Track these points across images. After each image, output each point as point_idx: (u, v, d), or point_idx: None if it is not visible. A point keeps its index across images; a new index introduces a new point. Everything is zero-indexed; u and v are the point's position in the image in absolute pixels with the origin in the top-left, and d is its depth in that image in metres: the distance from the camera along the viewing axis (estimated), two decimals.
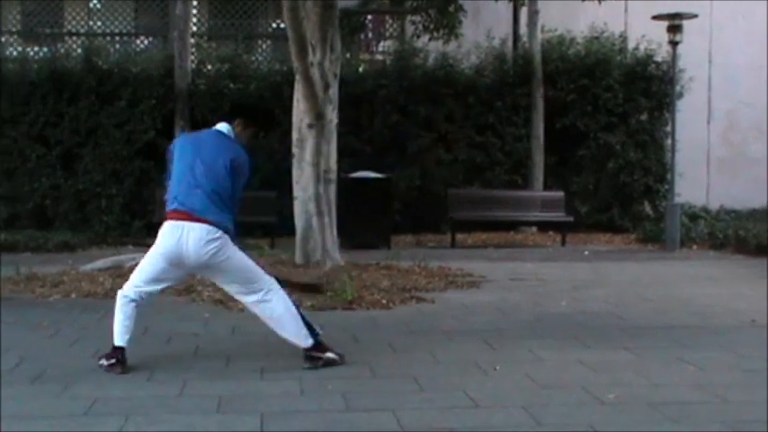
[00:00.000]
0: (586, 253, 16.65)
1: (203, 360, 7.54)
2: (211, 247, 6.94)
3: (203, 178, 7.03)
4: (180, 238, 6.96)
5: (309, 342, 7.18)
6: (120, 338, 7.10)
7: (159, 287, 7.32)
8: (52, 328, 8.93)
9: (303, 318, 7.25)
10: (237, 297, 7.46)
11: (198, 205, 6.97)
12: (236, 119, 7.41)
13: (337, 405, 6.06)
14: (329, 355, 7.21)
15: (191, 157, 7.14)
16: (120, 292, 7.27)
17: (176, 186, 7.12)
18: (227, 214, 7.09)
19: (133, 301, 7.19)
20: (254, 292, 7.20)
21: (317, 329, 7.31)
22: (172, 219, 7.07)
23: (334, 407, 6.02)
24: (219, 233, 6.97)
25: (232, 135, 7.33)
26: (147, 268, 7.25)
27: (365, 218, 16.88)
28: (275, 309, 7.19)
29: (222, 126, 7.37)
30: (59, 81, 18.89)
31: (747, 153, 22.59)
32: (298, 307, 7.34)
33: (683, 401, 6.19)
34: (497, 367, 7.17)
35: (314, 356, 7.17)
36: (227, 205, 7.10)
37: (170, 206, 7.12)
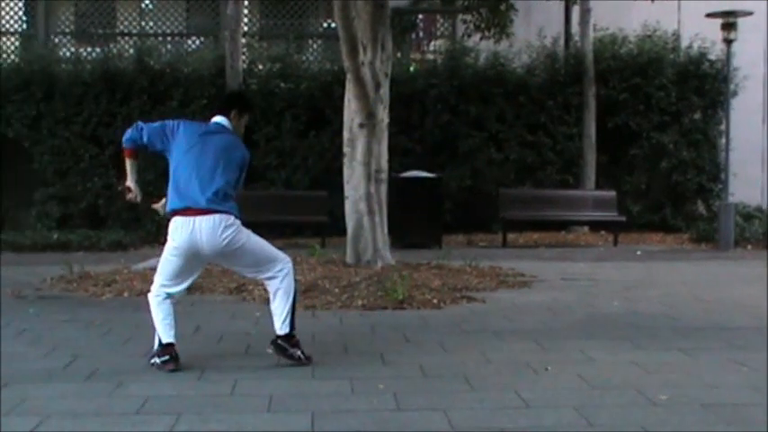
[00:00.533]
0: (639, 253, 16.54)
1: (254, 359, 7.56)
2: (227, 233, 6.98)
3: (216, 173, 7.07)
4: (192, 230, 6.98)
5: (285, 330, 7.22)
6: (166, 335, 7.16)
7: (183, 284, 7.39)
8: (105, 327, 9.00)
9: (293, 309, 7.29)
10: (253, 277, 7.57)
11: (209, 200, 6.99)
12: (231, 110, 7.39)
13: (388, 404, 6.05)
14: (296, 351, 7.25)
15: (198, 151, 7.17)
16: (149, 295, 7.40)
17: (186, 183, 7.14)
18: (235, 204, 7.15)
19: (167, 297, 7.30)
20: (270, 270, 7.26)
21: (294, 330, 7.32)
22: (180, 216, 7.09)
23: (384, 406, 6.01)
24: (232, 219, 7.02)
25: (230, 127, 7.35)
26: (165, 267, 7.30)
27: (416, 217, 16.88)
28: (278, 285, 7.24)
29: (221, 119, 7.35)
30: (112, 81, 19.07)
31: None
32: (295, 296, 7.35)
33: (736, 403, 6.12)
34: (549, 367, 7.13)
35: (282, 346, 7.23)
36: (233, 197, 7.17)
37: (180, 204, 7.12)
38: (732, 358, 7.52)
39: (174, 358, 7.06)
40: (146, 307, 10.09)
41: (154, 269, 12.46)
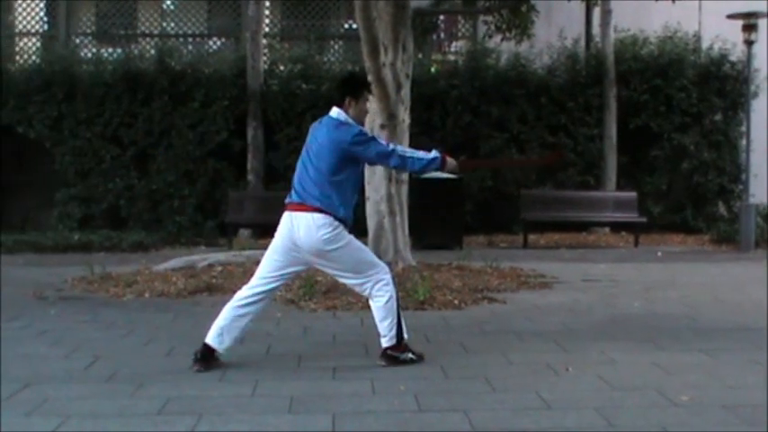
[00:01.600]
0: (659, 254, 16.50)
1: (275, 360, 7.58)
2: (322, 233, 6.99)
3: (312, 168, 7.11)
4: (291, 225, 7.06)
5: (390, 343, 7.21)
6: (212, 338, 7.21)
7: (278, 282, 7.38)
8: (126, 328, 9.03)
9: (399, 316, 7.24)
10: (348, 285, 7.49)
11: (306, 195, 7.06)
12: (344, 98, 7.26)
13: (409, 405, 6.06)
14: (407, 355, 7.25)
15: (305, 148, 7.27)
16: (238, 295, 7.33)
17: (294, 179, 7.27)
18: (338, 202, 7.07)
19: (249, 304, 7.26)
20: (366, 281, 7.21)
21: (405, 333, 7.28)
22: (286, 210, 7.18)
23: (405, 407, 6.02)
24: (329, 219, 7.00)
25: (343, 117, 7.21)
26: (265, 263, 7.30)
27: (437, 218, 16.88)
28: (380, 299, 7.20)
29: (333, 111, 7.28)
30: (133, 82, 19.13)
31: None
32: (398, 304, 7.30)
33: (757, 404, 6.11)
34: (570, 368, 7.13)
35: (391, 356, 7.22)
36: (340, 192, 7.09)
37: (286, 199, 7.25)
38: (753, 359, 7.50)
39: (204, 359, 7.11)
40: (167, 308, 10.16)
41: (175, 270, 12.60)
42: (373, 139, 7.25)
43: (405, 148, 7.47)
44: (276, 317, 9.58)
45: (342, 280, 7.42)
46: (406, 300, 10.31)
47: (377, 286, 7.18)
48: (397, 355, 7.20)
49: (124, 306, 10.47)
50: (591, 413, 5.87)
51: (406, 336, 7.26)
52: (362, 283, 7.23)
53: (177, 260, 13.44)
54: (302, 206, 7.06)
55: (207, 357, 7.12)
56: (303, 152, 7.30)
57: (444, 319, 9.54)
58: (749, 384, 6.66)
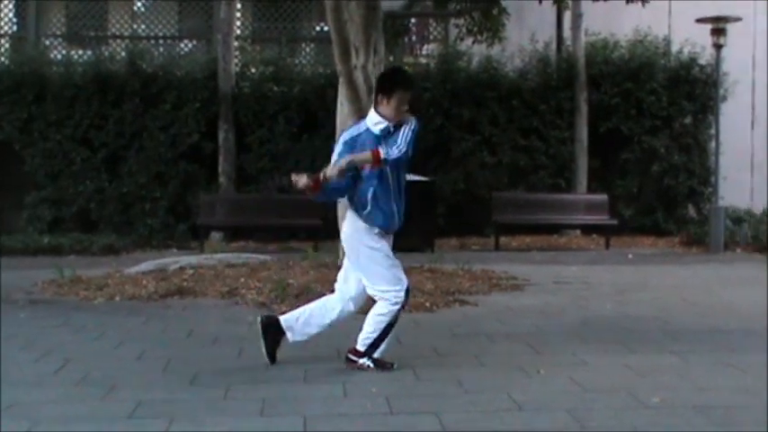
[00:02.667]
0: (630, 256, 16.57)
1: (247, 363, 7.56)
2: (343, 236, 7.32)
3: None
4: None
5: (361, 348, 7.19)
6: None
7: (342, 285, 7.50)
8: (96, 331, 8.99)
9: (383, 335, 7.19)
10: (369, 292, 7.45)
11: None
12: (378, 97, 7.30)
13: (381, 408, 6.06)
14: (365, 361, 7.20)
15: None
16: (382, 308, 7.27)
17: None
18: (361, 207, 7.30)
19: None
20: (374, 293, 7.29)
21: (379, 353, 7.21)
22: None
23: (377, 410, 6.02)
24: (352, 218, 7.30)
25: (377, 119, 7.24)
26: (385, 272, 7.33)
27: (409, 221, 16.62)
28: (378, 309, 7.24)
29: (369, 114, 7.37)
30: (104, 84, 19.05)
31: None
32: (391, 325, 7.23)
33: (727, 405, 6.14)
34: (541, 370, 7.15)
35: (349, 358, 7.23)
36: (370, 195, 7.30)
37: None
38: (724, 361, 7.54)
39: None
40: (138, 311, 10.12)
41: (146, 273, 12.55)
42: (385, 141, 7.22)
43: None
44: (248, 320, 9.56)
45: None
46: None
47: (384, 297, 7.21)
48: (355, 358, 7.19)
49: (95, 309, 10.43)
50: (562, 415, 5.89)
51: (377, 356, 7.20)
52: (371, 290, 7.28)
53: (148, 263, 13.39)
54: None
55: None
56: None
57: (416, 321, 9.54)
58: (720, 386, 6.70)
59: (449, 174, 19.21)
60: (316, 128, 18.89)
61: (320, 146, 18.38)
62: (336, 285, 7.48)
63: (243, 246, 17.39)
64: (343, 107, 12.93)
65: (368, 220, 7.23)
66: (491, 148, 19.64)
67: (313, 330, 7.40)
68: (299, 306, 10.20)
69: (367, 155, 7.08)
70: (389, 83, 7.34)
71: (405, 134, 7.17)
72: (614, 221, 18.55)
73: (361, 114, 12.69)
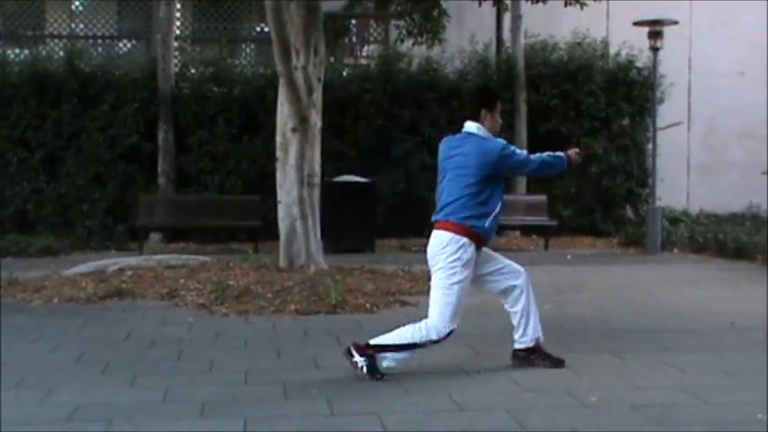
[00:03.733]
0: (569, 257, 16.68)
1: (187, 365, 7.54)
2: (440, 252, 7.20)
3: (445, 188, 7.28)
4: (431, 242, 7.36)
5: (373, 342, 7.03)
6: None
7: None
8: (34, 333, 8.91)
9: (400, 345, 7.03)
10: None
11: (437, 214, 7.31)
12: (480, 111, 7.27)
13: (321, 409, 6.07)
14: (354, 358, 7.03)
15: (442, 165, 7.38)
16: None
17: (439, 197, 7.41)
18: (474, 218, 7.12)
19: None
20: (434, 314, 7.15)
21: (384, 364, 7.02)
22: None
23: (317, 411, 6.03)
24: (453, 239, 7.10)
25: (482, 131, 7.22)
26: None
27: (349, 222, 16.89)
28: (410, 328, 7.08)
29: (468, 125, 7.28)
30: (41, 84, 18.82)
31: (726, 158, 22.64)
32: (410, 345, 7.04)
33: (664, 404, 6.22)
34: (481, 370, 7.19)
35: (350, 352, 7.06)
36: (483, 206, 7.16)
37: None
38: (661, 360, 7.64)
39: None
40: (76, 313, 10.03)
41: (84, 275, 12.44)
42: (513, 148, 7.28)
43: (536, 155, 7.46)
44: (187, 322, 9.54)
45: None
46: (319, 303, 10.35)
47: (435, 323, 7.08)
48: (354, 353, 7.00)
49: (32, 312, 10.33)
50: (502, 414, 5.93)
51: (382, 364, 7.00)
52: (432, 309, 7.19)
53: (87, 265, 13.28)
54: (446, 223, 7.18)
55: None
56: (442, 170, 7.38)
57: (357, 322, 9.55)
58: (657, 385, 6.78)
59: (389, 175, 19.22)
60: (256, 129, 18.83)
61: (260, 147, 18.35)
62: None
63: (182, 247, 17.30)
64: (283, 108, 12.92)
65: (487, 232, 7.17)
66: (432, 149, 19.61)
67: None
68: (238, 307, 10.28)
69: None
70: (492, 97, 7.50)
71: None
72: (553, 222, 18.66)
73: (302, 115, 12.73)
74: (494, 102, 7.36)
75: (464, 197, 7.09)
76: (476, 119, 7.23)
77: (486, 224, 7.11)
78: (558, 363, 7.32)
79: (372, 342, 7.01)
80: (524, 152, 7.48)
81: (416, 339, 6.98)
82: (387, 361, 6.96)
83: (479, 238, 7.09)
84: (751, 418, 5.90)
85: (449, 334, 7.06)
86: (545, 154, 7.46)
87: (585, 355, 7.89)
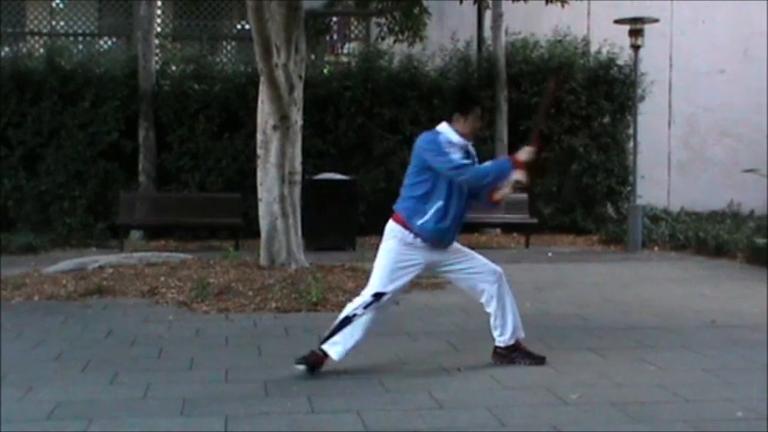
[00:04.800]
0: (550, 254, 16.72)
1: (167, 362, 7.53)
2: (386, 237, 7.28)
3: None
4: None
5: (322, 344, 7.08)
6: None
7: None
8: (14, 331, 8.86)
9: (339, 328, 7.08)
10: None
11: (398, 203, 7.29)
12: (452, 114, 7.29)
13: (302, 407, 6.07)
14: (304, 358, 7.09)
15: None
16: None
17: None
18: (411, 211, 7.15)
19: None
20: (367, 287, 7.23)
21: (335, 355, 7.06)
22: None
23: (298, 408, 6.03)
24: (391, 226, 7.21)
25: (449, 132, 7.20)
26: None
27: (330, 219, 16.88)
28: (347, 309, 7.18)
29: (440, 125, 7.30)
30: (21, 81, 18.74)
31: (707, 156, 22.74)
32: (348, 321, 7.08)
33: (645, 401, 6.24)
34: (461, 368, 7.20)
35: (310, 355, 7.09)
36: (419, 202, 7.14)
37: None
38: (641, 357, 7.66)
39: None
40: (56, 310, 10.00)
41: (65, 272, 12.41)
42: (447, 151, 7.12)
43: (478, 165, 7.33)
44: (168, 319, 9.52)
45: None
46: (300, 301, 10.34)
47: (360, 299, 7.16)
48: (307, 355, 7.08)
49: (12, 309, 10.28)
50: (483, 412, 5.94)
51: (325, 347, 7.06)
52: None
53: (67, 262, 13.24)
54: (393, 215, 7.25)
55: None
56: None
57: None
58: (637, 382, 6.81)
59: (370, 172, 19.22)
60: (237, 126, 18.80)
61: (241, 145, 18.33)
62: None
63: (163, 245, 17.26)
64: (264, 105, 12.91)
65: (424, 227, 7.10)
66: (412, 147, 19.62)
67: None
68: (219, 305, 10.27)
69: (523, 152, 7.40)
70: (469, 101, 7.39)
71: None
72: (534, 220, 18.68)
73: (283, 113, 12.72)
74: (468, 106, 7.28)
75: (405, 188, 7.25)
76: (449, 120, 7.25)
77: (424, 222, 7.07)
78: (538, 360, 7.34)
79: (321, 348, 7.10)
80: (467, 161, 7.22)
81: (346, 312, 7.11)
82: (334, 346, 7.04)
83: (420, 236, 7.10)
84: (730, 415, 5.93)
85: (376, 297, 7.10)
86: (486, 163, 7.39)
87: (566, 352, 7.90)
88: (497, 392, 6.48)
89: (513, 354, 7.34)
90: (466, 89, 7.31)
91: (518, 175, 7.27)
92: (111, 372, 7.04)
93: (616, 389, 6.60)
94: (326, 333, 7.10)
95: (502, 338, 7.34)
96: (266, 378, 6.83)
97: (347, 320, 7.06)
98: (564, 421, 5.76)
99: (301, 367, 6.97)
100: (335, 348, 7.01)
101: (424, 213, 7.06)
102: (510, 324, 7.31)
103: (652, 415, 5.92)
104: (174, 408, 6.03)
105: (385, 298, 7.11)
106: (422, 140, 7.20)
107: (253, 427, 5.63)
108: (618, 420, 5.81)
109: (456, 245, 7.36)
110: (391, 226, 7.17)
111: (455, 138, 7.17)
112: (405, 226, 7.08)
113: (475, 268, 7.39)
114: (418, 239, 7.09)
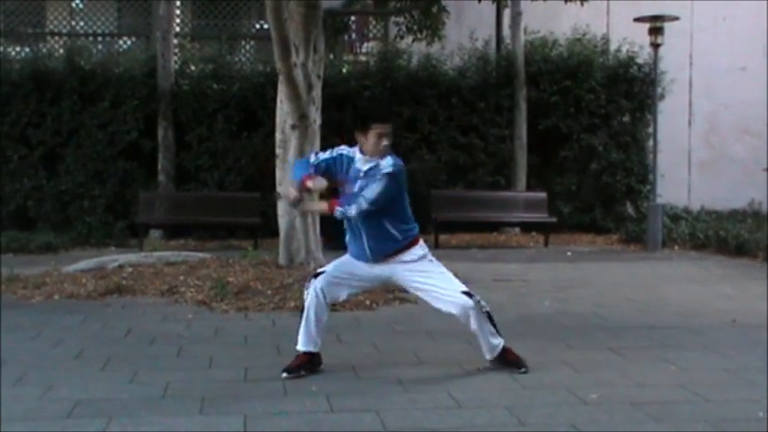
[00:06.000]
0: (569, 253, 16.68)
1: (186, 361, 7.53)
2: None
3: None
4: None
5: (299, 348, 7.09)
6: None
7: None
8: (34, 330, 8.89)
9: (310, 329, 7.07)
10: None
11: None
12: (355, 134, 7.10)
13: (321, 406, 6.06)
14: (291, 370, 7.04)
15: None
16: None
17: None
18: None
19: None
20: None
21: (302, 345, 7.08)
22: None
23: (317, 408, 6.02)
24: None
25: (359, 155, 7.09)
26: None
27: None
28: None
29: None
30: (41, 81, 18.81)
31: (727, 154, 22.65)
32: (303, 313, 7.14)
33: (665, 401, 6.22)
34: (480, 367, 7.18)
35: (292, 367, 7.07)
36: None
37: None
38: (661, 357, 7.63)
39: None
40: (76, 309, 10.02)
41: (85, 271, 12.44)
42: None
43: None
44: (187, 318, 9.53)
45: None
46: None
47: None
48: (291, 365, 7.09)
49: (33, 308, 10.32)
50: (502, 412, 5.92)
51: (298, 347, 7.08)
52: None
53: (87, 261, 13.28)
54: None
55: None
56: None
57: (356, 319, 9.56)
58: (657, 382, 6.78)
59: None
60: (255, 126, 18.81)
61: (259, 144, 18.32)
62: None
63: (182, 244, 17.29)
64: (282, 105, 12.91)
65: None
66: (430, 146, 19.66)
67: None
68: (238, 304, 10.29)
69: (323, 206, 7.14)
70: (362, 118, 7.07)
71: (380, 188, 6.85)
72: (553, 219, 18.65)
73: (301, 112, 12.73)
74: (364, 123, 7.01)
75: None
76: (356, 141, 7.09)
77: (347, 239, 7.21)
78: (519, 367, 7.12)
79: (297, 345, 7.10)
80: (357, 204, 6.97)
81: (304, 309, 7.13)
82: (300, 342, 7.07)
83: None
84: (751, 415, 5.90)
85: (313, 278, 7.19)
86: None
87: (586, 352, 7.88)
88: (517, 392, 6.46)
89: (505, 362, 7.20)
90: (366, 105, 6.84)
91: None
92: (130, 370, 7.05)
93: (636, 388, 6.58)
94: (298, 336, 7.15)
95: (486, 357, 7.24)
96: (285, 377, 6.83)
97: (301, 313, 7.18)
98: (583, 421, 5.74)
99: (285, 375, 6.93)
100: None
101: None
102: (485, 345, 7.16)
103: (672, 415, 5.89)
104: (193, 406, 6.04)
105: (320, 283, 7.13)
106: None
107: (272, 426, 5.63)
108: (637, 420, 5.78)
109: (420, 264, 7.24)
110: None
111: (357, 156, 7.07)
112: None
113: (436, 292, 7.16)
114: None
